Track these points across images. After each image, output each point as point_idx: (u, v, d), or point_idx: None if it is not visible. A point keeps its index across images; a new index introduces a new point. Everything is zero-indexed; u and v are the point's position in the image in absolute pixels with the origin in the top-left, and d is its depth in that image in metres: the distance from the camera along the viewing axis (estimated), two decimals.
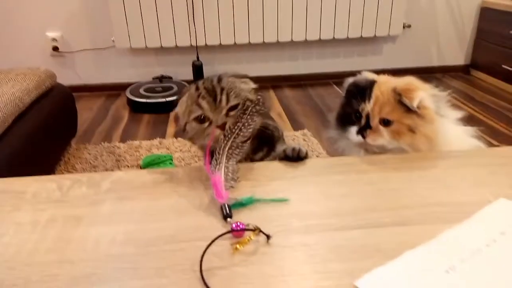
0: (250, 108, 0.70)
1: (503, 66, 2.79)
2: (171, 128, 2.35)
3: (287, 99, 2.79)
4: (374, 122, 0.77)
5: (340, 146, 0.85)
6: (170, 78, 2.91)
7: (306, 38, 2.85)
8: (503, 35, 2.79)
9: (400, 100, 0.75)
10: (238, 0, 2.68)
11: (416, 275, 0.46)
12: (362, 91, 0.78)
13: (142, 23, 2.66)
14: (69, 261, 0.50)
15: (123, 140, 2.21)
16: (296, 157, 0.72)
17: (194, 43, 2.75)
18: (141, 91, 2.69)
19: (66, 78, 2.51)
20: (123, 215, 0.58)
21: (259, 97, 0.71)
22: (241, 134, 0.68)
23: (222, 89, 0.71)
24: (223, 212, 0.57)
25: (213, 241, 0.51)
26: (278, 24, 2.78)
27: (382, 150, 0.78)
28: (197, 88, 0.73)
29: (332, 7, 2.78)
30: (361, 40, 2.98)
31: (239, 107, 0.70)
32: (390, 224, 0.55)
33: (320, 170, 0.70)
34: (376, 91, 0.77)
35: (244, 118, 0.69)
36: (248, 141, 0.70)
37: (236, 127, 0.68)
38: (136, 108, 2.60)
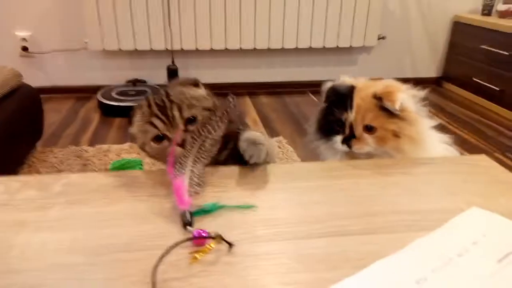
0: (220, 110, 0.66)
1: (474, 79, 2.86)
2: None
3: (263, 106, 2.77)
4: (358, 130, 0.76)
5: (321, 153, 0.84)
6: (144, 82, 2.84)
7: (283, 46, 2.85)
8: (474, 49, 2.86)
9: (382, 105, 0.74)
10: (216, 5, 2.65)
11: (385, 286, 0.43)
12: (343, 98, 0.77)
13: (116, 24, 2.60)
14: (7, 270, 0.45)
15: (91, 144, 2.13)
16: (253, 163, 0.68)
17: (169, 47, 2.70)
18: (113, 94, 2.62)
19: (35, 80, 2.40)
20: (72, 221, 0.53)
21: (231, 98, 0.68)
22: (210, 136, 0.64)
23: (172, 103, 0.67)
24: (183, 219, 0.53)
25: (169, 249, 0.47)
26: (255, 31, 2.77)
27: (368, 156, 0.77)
28: (149, 105, 0.68)
29: (309, 16, 2.80)
30: (337, 50, 3.00)
31: (198, 119, 0.66)
32: (359, 232, 0.53)
33: (289, 176, 0.67)
34: (357, 99, 0.76)
35: (214, 120, 0.65)
36: (217, 145, 0.67)
37: (205, 130, 0.64)
38: (107, 112, 2.52)
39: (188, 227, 0.51)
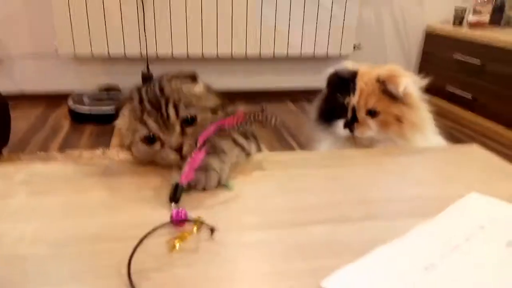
0: (260, 114, 0.61)
1: (447, 87, 2.91)
2: (116, 139, 2.19)
3: None
4: (361, 114, 0.75)
5: (321, 142, 0.81)
6: (118, 89, 2.75)
7: (260, 54, 2.83)
8: (447, 59, 2.92)
9: (385, 89, 0.73)
10: (192, 11, 2.61)
11: (392, 273, 0.39)
12: (345, 83, 0.76)
13: (88, 28, 2.51)
14: None
15: (61, 150, 2.02)
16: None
17: (144, 53, 2.63)
18: (85, 100, 2.51)
19: (2, 86, 2.28)
20: (36, 211, 0.47)
21: (275, 118, 0.63)
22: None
23: (167, 101, 0.58)
24: (171, 193, 0.49)
25: (146, 235, 0.41)
26: (232, 39, 2.74)
27: (370, 143, 0.75)
28: (141, 100, 0.59)
29: (286, 24, 2.80)
30: (314, 59, 3.01)
31: (197, 120, 0.59)
32: (358, 219, 0.48)
33: (279, 165, 0.62)
34: (360, 83, 0.75)
35: (250, 117, 0.60)
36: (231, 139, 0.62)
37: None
38: (79, 119, 2.42)
39: (173, 204, 0.47)
